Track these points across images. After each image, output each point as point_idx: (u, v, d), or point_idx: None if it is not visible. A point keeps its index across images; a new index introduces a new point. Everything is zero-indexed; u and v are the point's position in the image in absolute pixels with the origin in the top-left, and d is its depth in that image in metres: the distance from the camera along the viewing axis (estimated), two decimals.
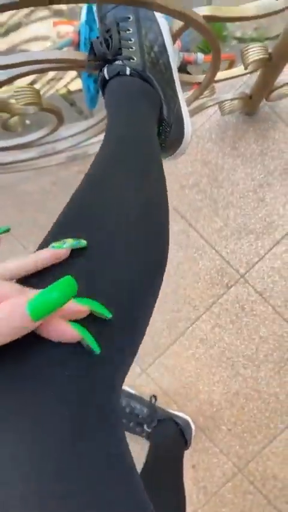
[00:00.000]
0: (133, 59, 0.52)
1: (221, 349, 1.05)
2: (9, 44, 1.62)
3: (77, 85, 1.59)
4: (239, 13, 0.59)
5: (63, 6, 1.60)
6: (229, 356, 1.05)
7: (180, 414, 1.04)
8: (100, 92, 1.27)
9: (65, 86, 1.61)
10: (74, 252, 0.32)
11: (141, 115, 0.48)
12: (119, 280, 0.33)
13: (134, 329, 0.35)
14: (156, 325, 1.06)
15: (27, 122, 1.54)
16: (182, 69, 1.40)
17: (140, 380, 1.07)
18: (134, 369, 1.07)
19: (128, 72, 0.51)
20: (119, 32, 0.53)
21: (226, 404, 1.05)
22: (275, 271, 1.03)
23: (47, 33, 1.61)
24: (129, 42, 0.53)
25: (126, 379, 1.08)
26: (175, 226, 1.06)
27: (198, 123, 1.05)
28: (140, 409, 1.00)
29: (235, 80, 1.00)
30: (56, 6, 1.59)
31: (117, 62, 0.52)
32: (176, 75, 0.57)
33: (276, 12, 0.59)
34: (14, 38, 1.61)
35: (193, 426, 1.03)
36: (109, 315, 0.30)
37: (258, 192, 1.03)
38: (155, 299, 0.40)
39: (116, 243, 0.34)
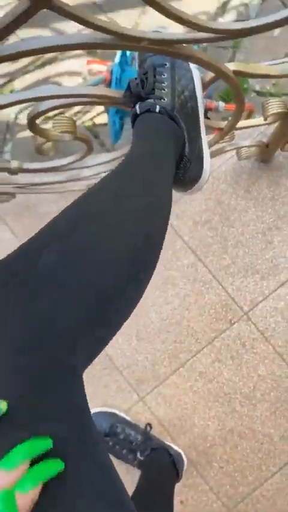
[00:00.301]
0: (164, 99, 0.58)
1: (219, 384, 1.06)
2: (44, 76, 1.72)
3: (102, 119, 1.68)
4: (265, 71, 0.66)
5: None
6: (227, 392, 1.06)
7: (174, 446, 1.04)
8: (123, 128, 1.35)
9: (91, 119, 1.70)
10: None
11: (162, 145, 0.54)
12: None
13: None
14: (158, 354, 1.08)
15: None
16: (204, 115, 1.49)
17: (137, 407, 1.08)
18: (132, 395, 1.08)
19: (157, 109, 0.57)
20: (154, 75, 0.60)
21: (220, 441, 1.06)
22: (278, 311, 1.06)
23: (79, 69, 1.72)
24: (163, 84, 0.59)
25: (123, 405, 1.10)
26: (185, 260, 1.10)
27: (216, 165, 1.11)
28: (134, 436, 1.00)
29: (253, 129, 1.07)
30: None
31: (149, 100, 0.58)
32: (201, 119, 0.63)
33: None
34: (49, 70, 1.72)
35: (185, 460, 1.03)
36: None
37: (267, 234, 1.08)
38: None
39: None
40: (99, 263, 0.37)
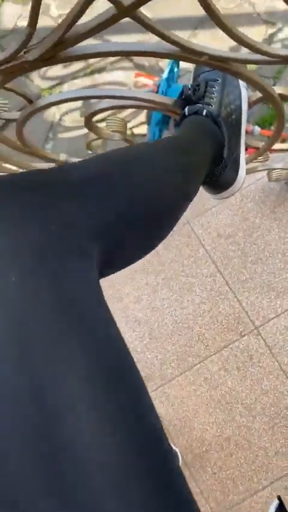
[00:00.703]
0: (211, 106, 0.64)
1: (223, 392, 1.10)
2: (92, 82, 1.82)
3: (141, 130, 1.76)
4: None
5: (145, 62, 1.80)
6: (229, 401, 1.09)
7: (171, 445, 1.07)
8: None
9: (131, 129, 1.79)
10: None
11: (202, 137, 0.60)
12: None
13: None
14: (167, 355, 1.13)
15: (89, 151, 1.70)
16: None
17: None
18: None
19: (204, 113, 0.63)
20: (206, 87, 0.67)
21: (216, 447, 1.09)
22: None
23: (125, 81, 1.81)
24: (212, 95, 0.66)
25: None
26: (205, 269, 1.15)
27: (246, 183, 1.16)
28: None
29: (286, 153, 1.12)
30: (138, 61, 1.80)
31: (198, 104, 0.65)
32: (243, 131, 0.69)
33: None
34: (97, 78, 1.82)
35: (180, 460, 1.06)
36: None
37: (287, 255, 1.13)
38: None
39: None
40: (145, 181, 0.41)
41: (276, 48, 0.51)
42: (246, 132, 1.44)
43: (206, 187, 0.71)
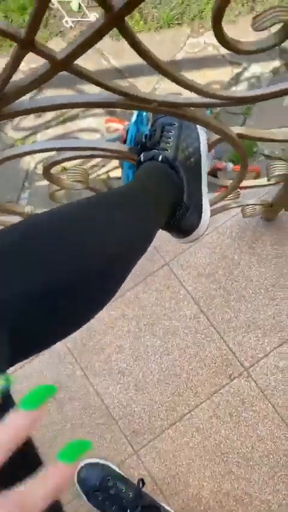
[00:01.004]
0: (167, 151, 0.63)
1: (217, 442, 1.03)
2: (65, 131, 1.84)
3: (117, 173, 1.77)
4: (268, 135, 0.71)
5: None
6: (224, 451, 1.02)
7: (166, 507, 0.99)
8: None
9: (106, 173, 1.79)
10: None
11: (156, 185, 0.58)
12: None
13: None
14: (155, 406, 1.06)
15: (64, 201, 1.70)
16: (212, 174, 1.56)
17: (131, 461, 1.04)
18: (126, 448, 1.05)
19: (159, 158, 0.61)
20: (162, 131, 0.66)
21: (215, 504, 1.01)
22: (278, 370, 1.05)
23: (97, 127, 1.83)
24: (169, 139, 0.65)
25: (116, 457, 1.07)
26: (187, 310, 1.11)
27: (221, 221, 1.15)
28: (125, 492, 0.96)
29: (260, 189, 1.11)
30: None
31: (153, 150, 0.63)
32: (204, 174, 0.67)
33: None
34: (70, 126, 1.84)
35: None
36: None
37: (270, 290, 1.09)
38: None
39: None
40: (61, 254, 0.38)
41: (223, 90, 0.50)
42: (219, 169, 1.44)
43: (170, 232, 0.69)
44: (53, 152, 0.70)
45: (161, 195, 0.58)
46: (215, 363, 1.07)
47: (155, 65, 0.46)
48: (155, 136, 0.64)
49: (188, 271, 1.13)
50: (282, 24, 0.42)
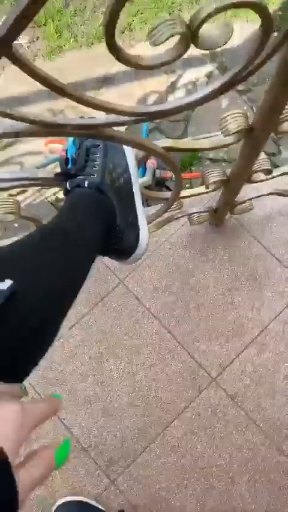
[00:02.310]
0: (93, 175, 0.60)
1: (194, 458, 1.00)
2: (7, 156, 1.79)
3: None
4: (196, 145, 0.70)
5: None
6: (202, 467, 1.00)
7: None
8: None
9: (54, 194, 1.75)
10: None
11: (82, 215, 0.56)
12: None
13: None
14: (126, 431, 1.03)
15: (15, 225, 1.64)
16: (160, 184, 1.56)
17: (108, 492, 1.00)
18: (102, 479, 1.00)
19: (86, 184, 0.59)
20: (88, 155, 0.63)
21: None
22: (246, 374, 1.04)
23: (40, 149, 1.79)
24: (95, 162, 0.62)
25: (93, 490, 1.01)
26: (148, 327, 1.08)
27: (171, 231, 1.13)
28: None
29: (204, 196, 1.11)
30: None
31: (79, 177, 0.60)
32: (136, 191, 0.65)
33: (227, 145, 0.69)
34: (11, 151, 1.79)
35: None
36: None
37: (227, 295, 1.08)
38: None
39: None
40: None
41: (134, 106, 0.48)
42: (165, 179, 1.43)
43: (111, 257, 0.66)
44: None
45: (92, 224, 0.56)
46: (182, 377, 1.05)
47: (55, 89, 0.43)
48: (79, 160, 0.62)
49: (144, 287, 1.11)
50: (178, 36, 0.41)
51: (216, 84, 0.50)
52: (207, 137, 0.73)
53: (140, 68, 0.42)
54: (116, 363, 1.07)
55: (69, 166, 1.28)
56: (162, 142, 0.64)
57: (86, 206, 0.57)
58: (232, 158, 1.72)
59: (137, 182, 0.65)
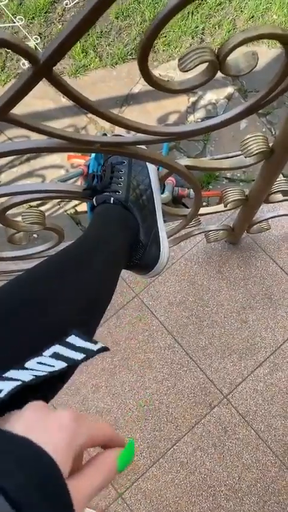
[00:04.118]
0: (118, 192, 0.63)
1: (202, 475, 1.00)
2: (30, 169, 1.84)
3: (84, 207, 1.77)
4: (216, 165, 0.72)
5: None
6: (210, 484, 0.99)
7: None
8: None
9: (73, 207, 1.79)
10: None
11: (111, 231, 0.59)
12: None
13: None
14: (136, 444, 1.03)
15: (35, 235, 1.68)
16: (178, 201, 1.58)
17: (115, 505, 1.00)
18: (110, 492, 1.00)
19: (111, 201, 0.61)
20: (113, 171, 0.66)
21: None
22: (258, 393, 1.04)
23: (61, 163, 1.84)
24: (119, 179, 0.65)
25: (100, 503, 1.01)
26: (161, 341, 1.09)
27: (187, 248, 1.15)
28: None
29: (222, 214, 1.13)
30: None
31: (105, 193, 0.63)
32: (158, 207, 0.67)
33: (247, 166, 0.71)
34: (34, 164, 1.84)
35: None
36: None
37: (241, 313, 1.09)
38: None
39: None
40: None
41: (159, 126, 0.50)
42: (183, 196, 1.45)
43: (132, 271, 0.68)
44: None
45: (117, 241, 0.58)
46: (193, 393, 1.05)
47: (87, 107, 0.46)
48: (105, 177, 0.65)
49: (158, 301, 1.13)
50: (206, 64, 0.43)
51: (239, 108, 0.52)
52: (228, 158, 0.75)
53: (169, 92, 0.44)
54: (128, 376, 1.08)
55: (95, 181, 1.32)
56: (185, 161, 0.67)
57: (113, 222, 0.60)
58: (249, 178, 1.75)
59: (159, 198, 0.68)
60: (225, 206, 0.87)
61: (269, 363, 1.06)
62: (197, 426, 1.03)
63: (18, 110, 0.43)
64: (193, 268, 1.14)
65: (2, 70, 2.01)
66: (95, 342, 0.33)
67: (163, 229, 0.68)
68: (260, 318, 1.08)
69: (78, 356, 0.32)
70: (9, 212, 0.74)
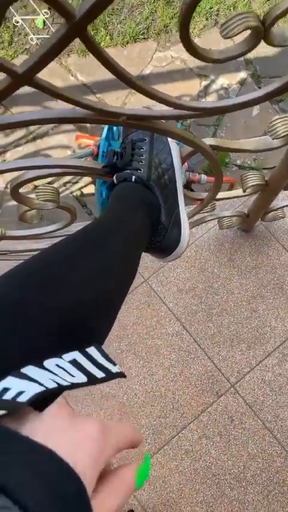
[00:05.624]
0: (140, 170, 0.60)
1: (207, 464, 0.99)
2: (36, 148, 1.80)
3: (90, 189, 1.74)
4: (240, 146, 0.69)
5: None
6: (215, 473, 0.99)
7: None
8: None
9: (80, 189, 1.76)
10: None
11: (132, 210, 0.55)
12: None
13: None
14: (141, 430, 1.02)
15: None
16: (187, 187, 1.55)
17: None
18: None
19: (133, 179, 0.58)
20: (133, 149, 0.62)
21: None
22: (265, 383, 1.02)
23: (68, 143, 1.80)
24: (141, 157, 0.62)
25: None
26: (169, 328, 1.07)
27: (199, 234, 1.13)
28: None
29: (235, 200, 1.10)
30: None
31: (126, 171, 0.60)
32: (179, 188, 0.64)
33: (273, 149, 0.69)
34: (40, 144, 1.80)
35: None
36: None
37: (251, 302, 1.07)
38: None
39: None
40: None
41: (192, 101, 0.47)
42: (194, 182, 1.42)
43: (151, 253, 0.65)
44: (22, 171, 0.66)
45: (139, 219, 0.55)
46: (200, 380, 1.04)
47: (120, 76, 0.43)
48: (126, 154, 0.61)
49: (167, 287, 1.10)
50: (249, 31, 0.40)
51: (267, 89, 0.49)
52: (254, 139, 0.72)
53: (209, 61, 0.41)
54: (135, 361, 1.06)
55: (100, 160, 1.28)
56: (210, 141, 0.64)
57: (135, 201, 0.57)
58: (260, 166, 1.71)
59: (181, 179, 0.65)
60: (244, 191, 0.84)
61: (278, 354, 1.04)
62: (203, 415, 1.02)
63: (26, 88, 0.40)
64: (204, 255, 1.11)
65: (9, 45, 1.95)
66: (114, 364, 0.30)
67: (184, 211, 0.65)
68: (270, 308, 1.06)
69: (98, 373, 0.29)
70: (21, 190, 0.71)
